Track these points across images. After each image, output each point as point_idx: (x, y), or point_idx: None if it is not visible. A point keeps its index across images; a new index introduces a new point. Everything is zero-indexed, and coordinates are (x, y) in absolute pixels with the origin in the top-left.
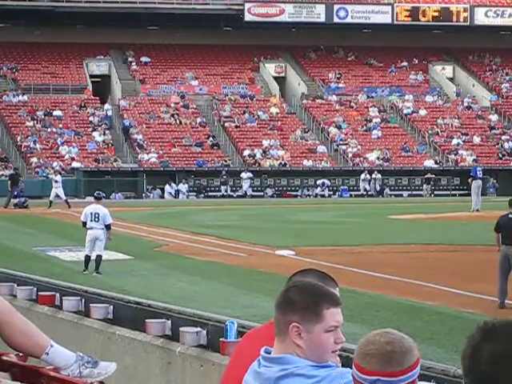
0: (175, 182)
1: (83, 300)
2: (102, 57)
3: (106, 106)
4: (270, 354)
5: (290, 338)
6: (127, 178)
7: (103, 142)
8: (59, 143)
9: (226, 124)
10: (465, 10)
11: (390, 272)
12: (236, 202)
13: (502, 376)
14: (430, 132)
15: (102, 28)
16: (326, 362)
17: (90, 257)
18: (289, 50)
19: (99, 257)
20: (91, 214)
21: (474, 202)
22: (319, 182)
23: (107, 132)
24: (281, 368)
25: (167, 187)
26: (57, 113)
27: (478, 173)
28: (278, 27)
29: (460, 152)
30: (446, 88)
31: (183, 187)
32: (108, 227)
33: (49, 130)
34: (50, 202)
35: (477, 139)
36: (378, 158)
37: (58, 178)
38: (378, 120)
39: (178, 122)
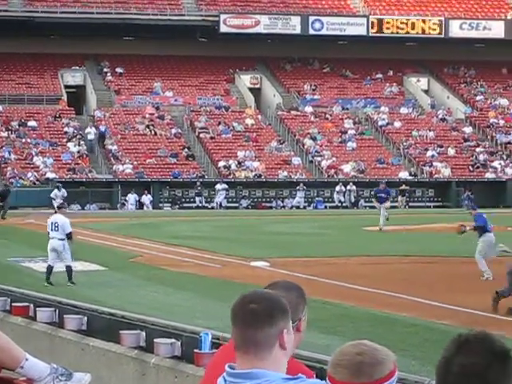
0: (140, 194)
1: (57, 311)
2: (77, 67)
3: (88, 129)
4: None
5: (279, 347)
6: (102, 188)
7: (78, 152)
8: (34, 154)
9: (201, 135)
10: (439, 23)
11: (365, 283)
12: (211, 213)
13: None
14: (404, 144)
15: (77, 38)
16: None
17: (52, 267)
18: (264, 61)
19: (69, 267)
20: (52, 223)
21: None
22: (298, 187)
23: (82, 143)
24: (251, 383)
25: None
26: (31, 123)
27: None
28: (254, 39)
29: (435, 164)
30: (420, 100)
31: (146, 199)
32: (68, 236)
33: (23, 140)
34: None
35: (451, 151)
36: (352, 170)
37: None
38: (353, 132)
39: (152, 132)
